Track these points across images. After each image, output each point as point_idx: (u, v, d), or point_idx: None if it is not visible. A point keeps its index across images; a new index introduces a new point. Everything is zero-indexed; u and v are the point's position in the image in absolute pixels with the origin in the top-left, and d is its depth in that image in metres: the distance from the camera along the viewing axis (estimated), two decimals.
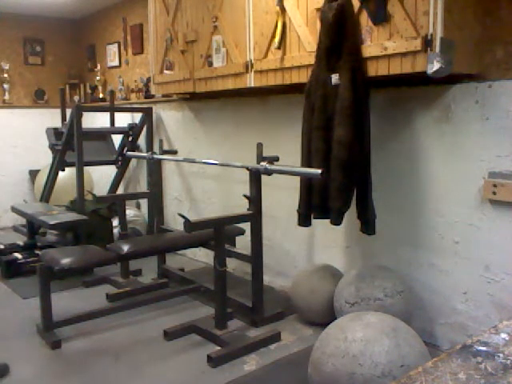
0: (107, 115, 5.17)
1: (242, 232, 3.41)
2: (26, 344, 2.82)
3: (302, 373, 2.21)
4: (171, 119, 4.63)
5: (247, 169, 2.90)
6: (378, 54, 2.40)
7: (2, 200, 5.57)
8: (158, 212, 4.11)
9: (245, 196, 2.94)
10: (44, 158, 5.42)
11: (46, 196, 4.97)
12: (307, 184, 2.68)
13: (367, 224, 2.60)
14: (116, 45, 5.50)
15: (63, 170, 4.88)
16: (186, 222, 2.61)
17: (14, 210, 4.42)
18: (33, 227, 4.39)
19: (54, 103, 5.88)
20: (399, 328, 2.02)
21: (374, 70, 2.43)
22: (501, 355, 0.99)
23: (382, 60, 2.39)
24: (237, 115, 3.86)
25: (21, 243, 4.33)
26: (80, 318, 2.99)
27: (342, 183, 2.48)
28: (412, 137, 2.70)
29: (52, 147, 4.83)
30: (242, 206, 2.99)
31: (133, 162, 5.15)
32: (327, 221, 2.59)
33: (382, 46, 2.37)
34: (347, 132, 2.43)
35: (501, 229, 2.37)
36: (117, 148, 5.05)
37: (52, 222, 3.68)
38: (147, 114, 4.74)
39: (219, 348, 2.69)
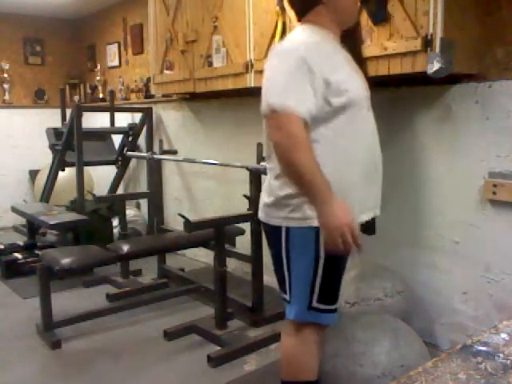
0: (107, 115, 5.17)
1: (242, 232, 3.41)
2: (26, 344, 2.82)
3: None
4: (171, 119, 4.63)
5: (247, 169, 2.90)
6: (378, 54, 2.39)
7: (1, 200, 5.56)
8: (158, 212, 4.11)
9: (245, 196, 2.94)
10: (44, 158, 5.42)
11: (45, 196, 4.97)
12: None
13: (367, 224, 2.60)
14: (116, 45, 5.50)
15: (63, 170, 4.88)
16: (186, 222, 2.61)
17: (14, 210, 4.42)
18: (33, 227, 4.38)
19: (53, 103, 5.87)
20: (399, 328, 2.02)
21: (374, 70, 2.43)
22: (501, 355, 0.99)
23: (382, 60, 2.39)
24: (237, 115, 3.86)
25: (21, 243, 4.32)
26: (80, 317, 2.99)
27: None
28: (412, 137, 2.69)
29: (52, 147, 4.82)
30: (242, 206, 2.99)
31: (133, 161, 5.15)
32: None
33: (382, 46, 2.37)
34: None
35: (501, 229, 2.37)
36: (117, 148, 5.05)
37: (52, 222, 3.68)
38: (147, 114, 4.74)
39: (219, 348, 2.69)
